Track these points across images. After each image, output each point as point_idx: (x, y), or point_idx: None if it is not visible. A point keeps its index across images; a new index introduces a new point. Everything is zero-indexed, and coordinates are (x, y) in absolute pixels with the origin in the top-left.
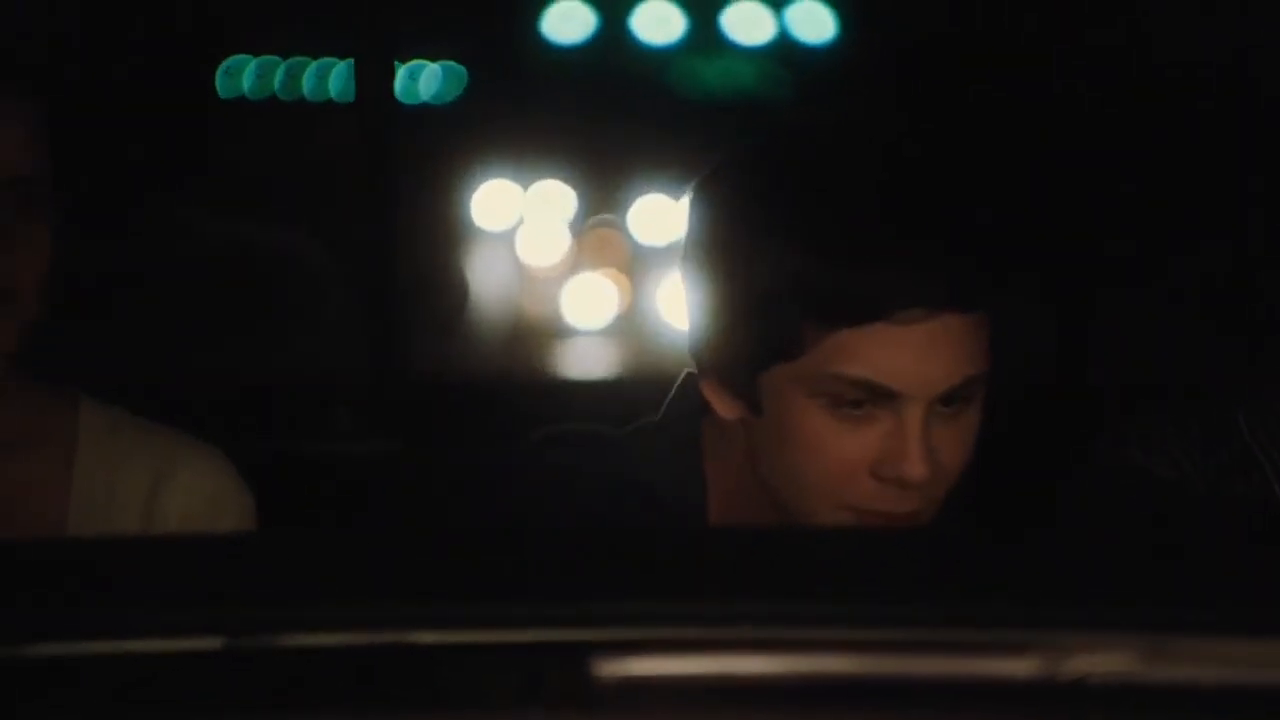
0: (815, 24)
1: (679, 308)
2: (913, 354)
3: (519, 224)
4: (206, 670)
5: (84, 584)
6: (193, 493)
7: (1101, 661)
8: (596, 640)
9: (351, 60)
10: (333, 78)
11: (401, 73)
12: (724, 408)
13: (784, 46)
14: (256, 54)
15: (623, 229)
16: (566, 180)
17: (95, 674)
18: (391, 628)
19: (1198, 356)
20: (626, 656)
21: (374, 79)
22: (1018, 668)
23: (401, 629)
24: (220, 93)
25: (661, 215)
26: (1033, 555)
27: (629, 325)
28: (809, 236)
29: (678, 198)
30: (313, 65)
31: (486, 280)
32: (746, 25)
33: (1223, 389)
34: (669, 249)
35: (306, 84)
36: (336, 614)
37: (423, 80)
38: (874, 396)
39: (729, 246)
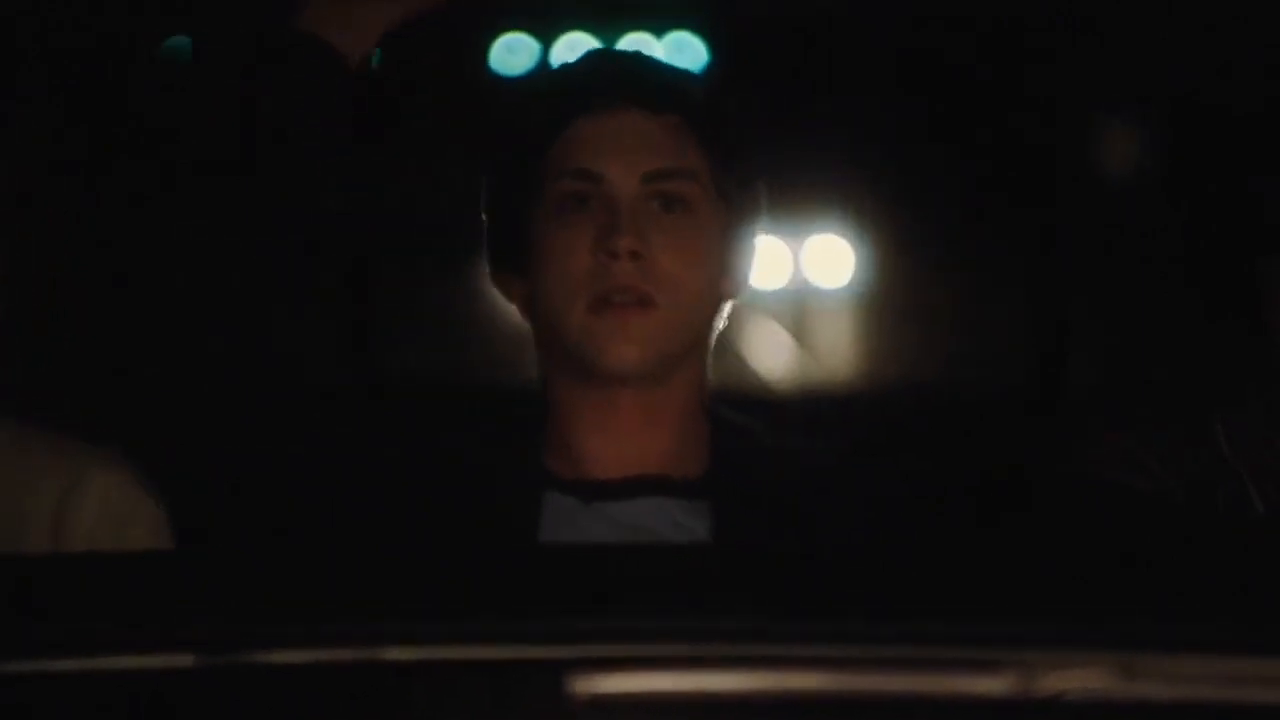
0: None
1: None
2: (610, 142)
3: None
4: (180, 687)
5: (59, 600)
6: (102, 504)
7: (1076, 678)
8: (570, 657)
9: None
10: None
11: None
12: (513, 294)
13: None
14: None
15: None
16: None
17: (70, 690)
18: (365, 644)
19: (1176, 366)
20: (601, 673)
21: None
22: (994, 685)
23: (375, 646)
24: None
25: None
26: (1008, 572)
27: None
28: (530, 91)
29: None
30: None
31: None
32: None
33: (1199, 401)
34: None
35: None
36: (310, 630)
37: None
38: (587, 183)
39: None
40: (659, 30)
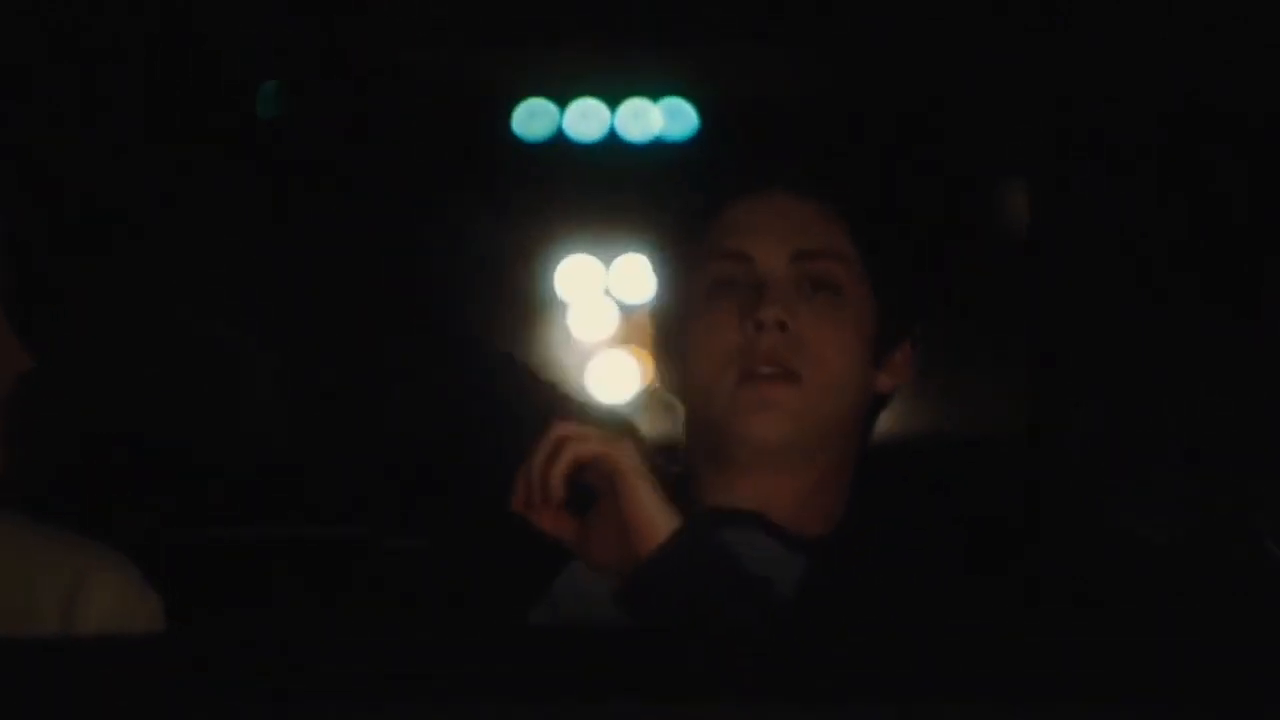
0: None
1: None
2: (760, 224)
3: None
4: None
5: (62, 688)
6: (106, 605)
7: None
8: None
9: None
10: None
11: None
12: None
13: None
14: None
15: None
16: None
17: None
18: None
19: (1189, 414)
20: None
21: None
22: None
23: None
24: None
25: None
26: (1016, 654)
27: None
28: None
29: None
30: None
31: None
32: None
33: (1211, 451)
34: None
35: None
36: (317, 709)
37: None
38: (738, 264)
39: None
40: (655, 96)
